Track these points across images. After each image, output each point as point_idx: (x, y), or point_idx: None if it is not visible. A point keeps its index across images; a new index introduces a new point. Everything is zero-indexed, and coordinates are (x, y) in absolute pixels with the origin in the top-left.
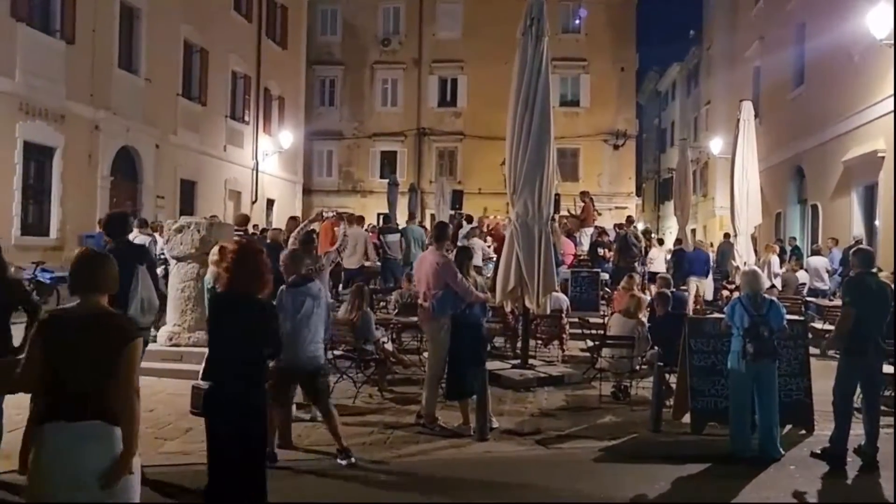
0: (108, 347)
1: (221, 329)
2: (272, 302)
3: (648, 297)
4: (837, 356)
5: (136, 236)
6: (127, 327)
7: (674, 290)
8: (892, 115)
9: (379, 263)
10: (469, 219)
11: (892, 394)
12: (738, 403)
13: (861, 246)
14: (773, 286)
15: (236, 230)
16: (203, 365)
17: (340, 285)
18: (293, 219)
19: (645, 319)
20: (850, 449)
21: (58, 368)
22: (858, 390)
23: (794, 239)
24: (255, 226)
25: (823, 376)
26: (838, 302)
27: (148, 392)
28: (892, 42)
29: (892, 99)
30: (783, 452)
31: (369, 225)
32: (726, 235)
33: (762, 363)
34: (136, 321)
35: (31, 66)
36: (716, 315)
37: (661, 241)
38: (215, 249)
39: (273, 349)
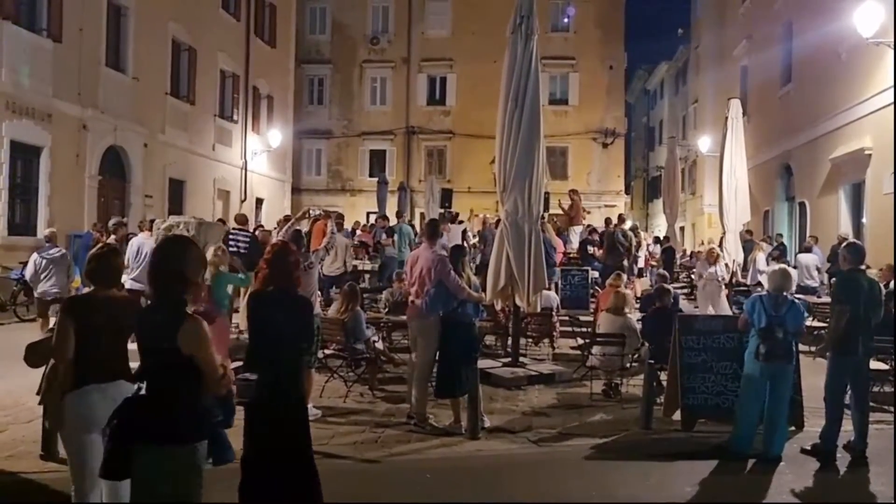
0: (127, 320)
1: (261, 324)
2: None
3: (637, 292)
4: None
5: (145, 240)
6: (139, 305)
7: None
8: (879, 112)
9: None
10: (453, 218)
11: (893, 390)
12: (749, 402)
13: (852, 241)
14: (758, 283)
15: (240, 229)
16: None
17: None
18: (286, 219)
19: (632, 315)
20: (840, 445)
21: (86, 341)
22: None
23: (781, 236)
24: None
25: (813, 373)
26: (827, 299)
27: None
28: (892, 41)
29: (887, 95)
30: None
31: (355, 223)
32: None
33: (777, 364)
34: None
35: (17, 64)
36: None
37: (657, 240)
38: (214, 250)
39: (308, 342)
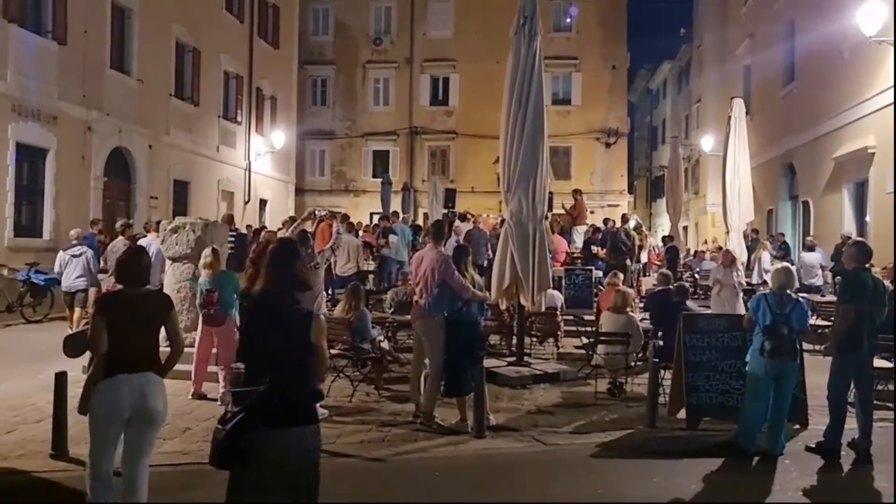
0: (157, 315)
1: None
2: None
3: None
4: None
5: (152, 241)
6: (168, 299)
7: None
8: (882, 111)
9: (372, 264)
10: (463, 217)
11: (893, 388)
12: (755, 400)
13: (859, 239)
14: (764, 282)
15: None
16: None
17: (331, 288)
18: (290, 220)
19: (634, 313)
20: (845, 443)
21: (118, 334)
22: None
23: (783, 235)
24: (248, 226)
25: (817, 371)
26: (830, 298)
27: None
28: (892, 40)
29: (890, 93)
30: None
31: (357, 223)
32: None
33: (782, 362)
34: None
35: (22, 67)
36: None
37: (664, 240)
38: (208, 252)
39: None
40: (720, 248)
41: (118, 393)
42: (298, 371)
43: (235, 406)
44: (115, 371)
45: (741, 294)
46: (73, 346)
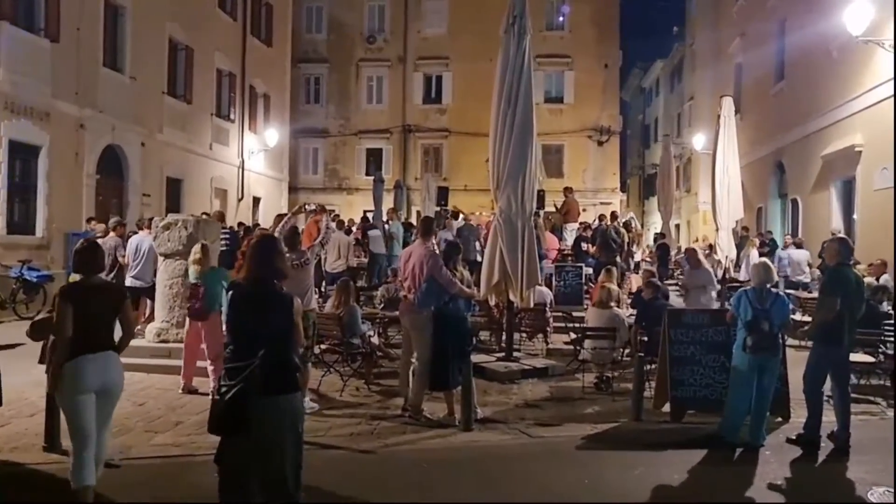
0: (113, 304)
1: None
2: None
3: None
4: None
5: (144, 237)
6: (123, 290)
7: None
8: (869, 109)
9: (365, 260)
10: (456, 215)
11: (892, 383)
12: (738, 394)
13: (842, 236)
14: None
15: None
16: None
17: (324, 283)
18: (280, 217)
19: (619, 309)
20: (824, 435)
21: (81, 320)
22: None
23: (770, 233)
24: (240, 223)
25: (799, 365)
26: (816, 294)
27: (138, 387)
28: (890, 40)
29: (877, 92)
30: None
31: (349, 221)
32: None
33: (764, 356)
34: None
35: (15, 64)
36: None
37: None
38: (197, 248)
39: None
40: (711, 246)
41: (84, 371)
42: (283, 346)
43: (230, 380)
44: (78, 352)
45: (711, 294)
46: (38, 330)
